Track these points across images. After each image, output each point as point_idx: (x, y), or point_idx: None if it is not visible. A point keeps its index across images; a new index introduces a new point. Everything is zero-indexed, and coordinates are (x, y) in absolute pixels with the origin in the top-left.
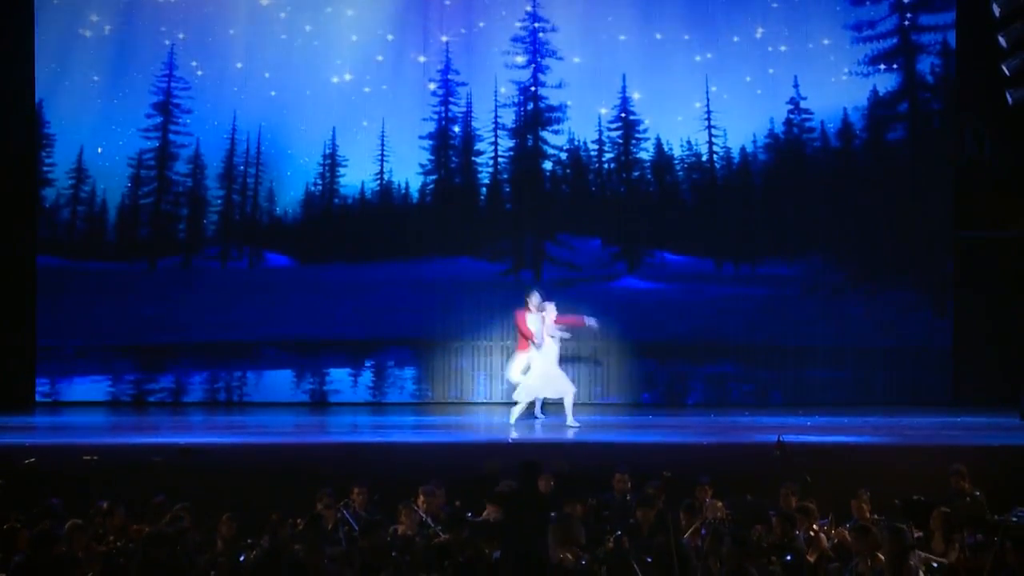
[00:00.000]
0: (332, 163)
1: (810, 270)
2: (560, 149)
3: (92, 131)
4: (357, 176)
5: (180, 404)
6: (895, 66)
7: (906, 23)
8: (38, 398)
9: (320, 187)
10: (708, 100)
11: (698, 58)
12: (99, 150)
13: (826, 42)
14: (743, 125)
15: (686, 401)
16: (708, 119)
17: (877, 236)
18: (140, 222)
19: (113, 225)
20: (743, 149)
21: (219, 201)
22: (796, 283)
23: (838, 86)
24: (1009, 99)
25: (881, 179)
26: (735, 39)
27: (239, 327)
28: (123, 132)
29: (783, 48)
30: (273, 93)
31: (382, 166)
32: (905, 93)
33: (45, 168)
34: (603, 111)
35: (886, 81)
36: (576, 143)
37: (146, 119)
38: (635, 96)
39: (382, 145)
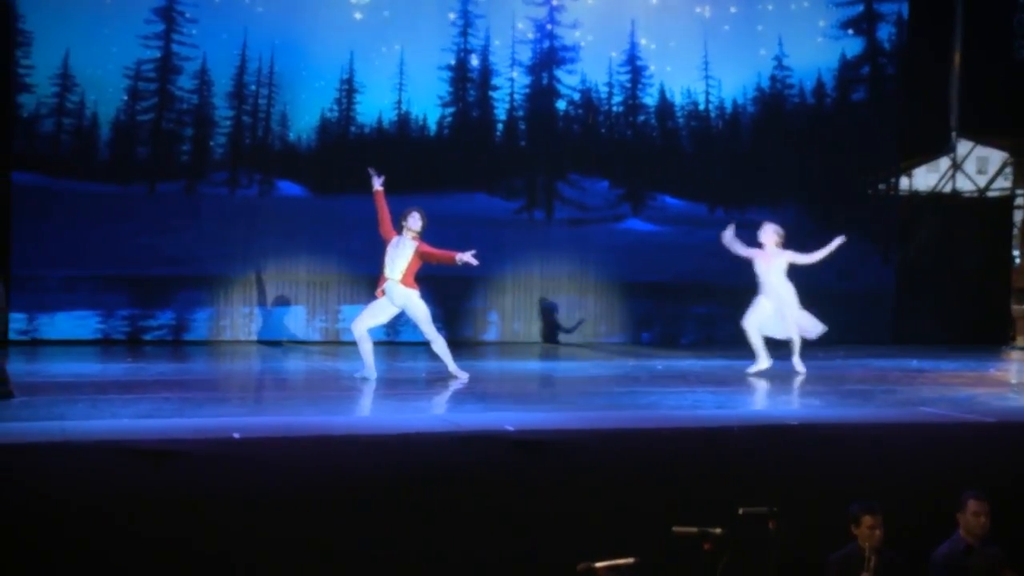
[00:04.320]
0: (349, 89)
1: (787, 218)
2: (573, 89)
3: (80, 33)
4: (375, 104)
5: (181, 342)
6: (860, 32)
7: None
8: (12, 336)
9: (336, 113)
10: (706, 51)
11: (698, 9)
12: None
13: (805, 5)
14: (735, 77)
15: (680, 341)
16: (706, 69)
17: (840, 188)
18: (138, 140)
19: (106, 142)
20: (734, 101)
21: (228, 122)
22: None
23: (814, 47)
24: None
25: (845, 136)
26: None
27: (247, 260)
28: (118, 38)
29: (770, 7)
30: (288, 11)
31: (400, 95)
32: (867, 58)
33: (21, 71)
34: (613, 54)
35: (853, 45)
36: (588, 84)
37: (145, 25)
38: (642, 42)
39: (401, 73)
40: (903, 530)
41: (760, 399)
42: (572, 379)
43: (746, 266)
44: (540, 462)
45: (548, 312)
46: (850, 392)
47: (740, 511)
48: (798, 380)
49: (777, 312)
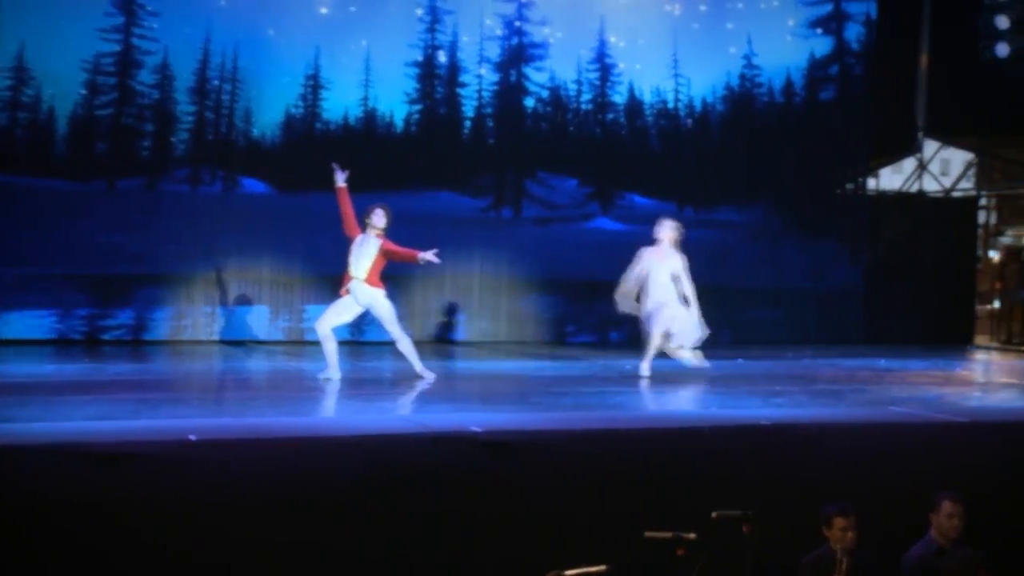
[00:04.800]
0: (315, 85)
1: (756, 217)
2: (542, 87)
3: (36, 25)
4: (341, 101)
5: (140, 342)
6: (829, 31)
7: None
8: None
9: (301, 110)
10: (675, 49)
11: (668, 7)
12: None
13: (775, 3)
14: (705, 75)
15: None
16: (675, 67)
17: (809, 188)
18: (97, 136)
19: (64, 137)
20: (704, 99)
21: (190, 118)
22: (744, 229)
23: (783, 45)
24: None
25: (814, 136)
26: None
27: (209, 258)
28: (76, 31)
29: (740, 5)
30: (252, 5)
31: (367, 92)
32: (835, 57)
33: None
34: (582, 52)
35: (822, 45)
36: (556, 82)
37: (104, 18)
38: (611, 39)
39: (367, 70)
40: (876, 531)
41: (731, 399)
42: (540, 379)
43: (716, 264)
44: (508, 464)
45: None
46: (821, 392)
47: (714, 514)
48: (643, 383)
49: (656, 308)
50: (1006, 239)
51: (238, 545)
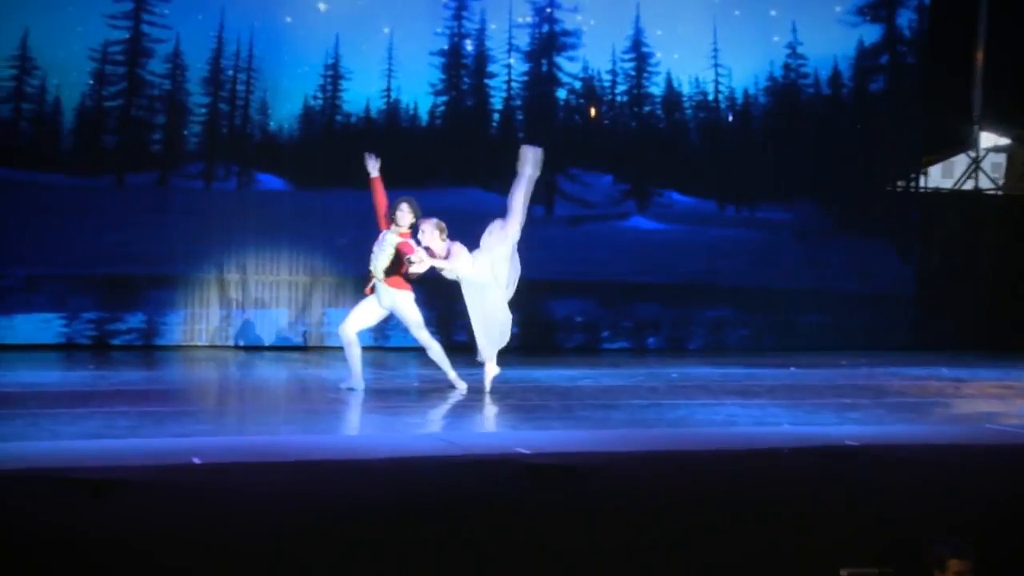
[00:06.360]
0: (335, 75)
1: (801, 215)
2: (574, 77)
3: (41, 12)
4: (362, 92)
5: (151, 348)
6: (879, 18)
7: None
8: None
9: (321, 101)
10: (715, 37)
11: None
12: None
13: None
14: (747, 66)
15: (687, 346)
16: (715, 57)
17: (858, 185)
18: (105, 128)
19: (70, 130)
20: (746, 91)
21: (203, 110)
22: (789, 228)
23: (830, 34)
24: None
25: (862, 130)
26: None
27: (224, 258)
28: (82, 17)
29: None
30: None
31: (389, 82)
32: (886, 46)
33: None
34: (617, 40)
35: (871, 32)
36: (590, 72)
37: (113, 4)
38: (648, 27)
39: (390, 59)
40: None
41: (800, 414)
42: (583, 390)
43: (759, 266)
44: (564, 493)
45: None
46: (897, 405)
47: (844, 573)
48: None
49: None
50: None
51: None
